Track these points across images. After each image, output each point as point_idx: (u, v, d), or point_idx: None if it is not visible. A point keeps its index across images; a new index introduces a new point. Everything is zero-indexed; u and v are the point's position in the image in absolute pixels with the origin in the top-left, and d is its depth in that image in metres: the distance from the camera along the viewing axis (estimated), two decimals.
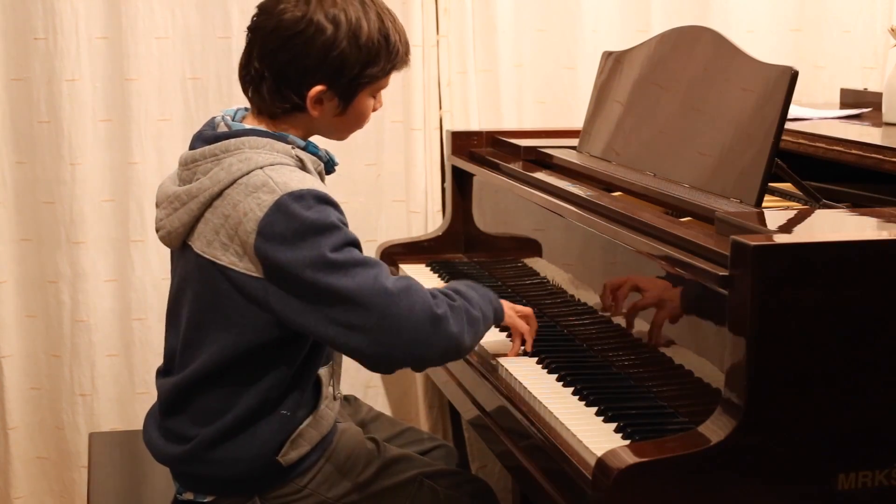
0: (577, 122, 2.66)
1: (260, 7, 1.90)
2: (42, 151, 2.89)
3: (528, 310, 2.13)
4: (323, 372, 1.93)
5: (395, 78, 2.98)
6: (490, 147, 2.87)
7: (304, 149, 1.89)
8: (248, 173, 1.80)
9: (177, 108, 2.94)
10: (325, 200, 1.79)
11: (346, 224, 1.82)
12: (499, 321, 2.04)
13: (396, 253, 2.87)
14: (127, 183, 2.91)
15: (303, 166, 1.86)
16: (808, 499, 1.59)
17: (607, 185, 2.27)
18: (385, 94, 3.00)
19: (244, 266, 1.80)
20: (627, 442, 1.67)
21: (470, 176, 2.84)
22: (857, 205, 2.07)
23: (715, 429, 1.55)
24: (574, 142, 2.63)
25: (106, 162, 2.92)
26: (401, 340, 1.78)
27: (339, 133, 1.98)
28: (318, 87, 1.86)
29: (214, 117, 1.93)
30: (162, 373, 1.99)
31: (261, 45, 1.87)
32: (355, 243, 1.81)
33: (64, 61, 2.84)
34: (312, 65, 1.84)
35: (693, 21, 2.90)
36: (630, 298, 1.99)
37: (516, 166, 2.57)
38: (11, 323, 2.95)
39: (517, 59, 3.13)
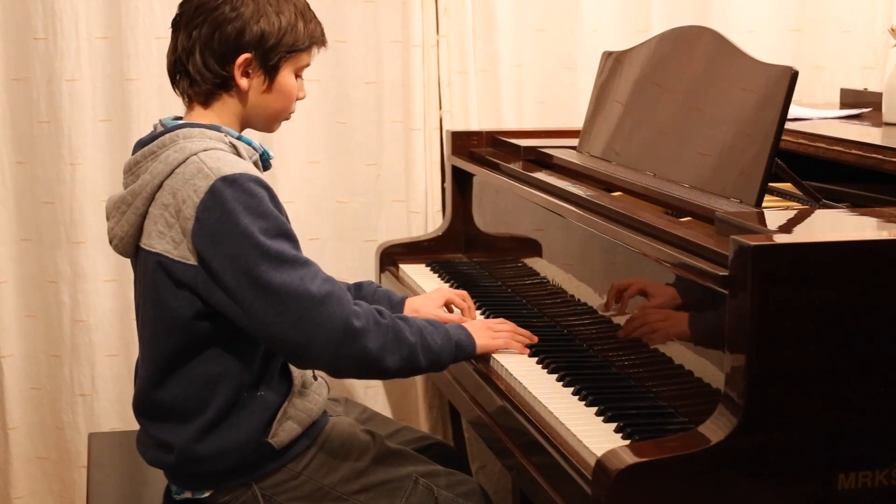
0: (577, 122, 2.66)
1: (180, 4, 1.96)
2: (42, 151, 2.89)
3: (501, 321, 2.13)
4: None
5: (395, 78, 3.04)
6: (490, 147, 2.87)
7: (237, 139, 1.93)
8: (183, 161, 1.84)
9: (177, 108, 2.93)
10: (260, 183, 1.83)
11: (280, 211, 1.85)
12: (466, 353, 2.01)
13: (396, 253, 2.87)
14: None
15: (237, 153, 1.89)
16: (808, 499, 1.58)
17: (607, 185, 2.27)
18: (385, 93, 3.06)
19: (179, 254, 1.84)
20: (627, 442, 1.67)
21: (470, 176, 2.84)
22: (857, 205, 2.07)
23: (715, 429, 1.55)
24: (574, 142, 2.63)
25: (106, 162, 2.92)
26: (313, 346, 1.81)
27: (269, 118, 1.99)
28: (244, 55, 1.90)
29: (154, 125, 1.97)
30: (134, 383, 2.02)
31: (185, 28, 1.92)
32: (287, 234, 1.84)
33: (64, 61, 2.84)
34: (235, 33, 1.89)
35: (693, 21, 2.90)
36: (630, 298, 1.99)
37: (516, 166, 2.57)
38: (11, 323, 2.95)
39: (517, 59, 3.13)
